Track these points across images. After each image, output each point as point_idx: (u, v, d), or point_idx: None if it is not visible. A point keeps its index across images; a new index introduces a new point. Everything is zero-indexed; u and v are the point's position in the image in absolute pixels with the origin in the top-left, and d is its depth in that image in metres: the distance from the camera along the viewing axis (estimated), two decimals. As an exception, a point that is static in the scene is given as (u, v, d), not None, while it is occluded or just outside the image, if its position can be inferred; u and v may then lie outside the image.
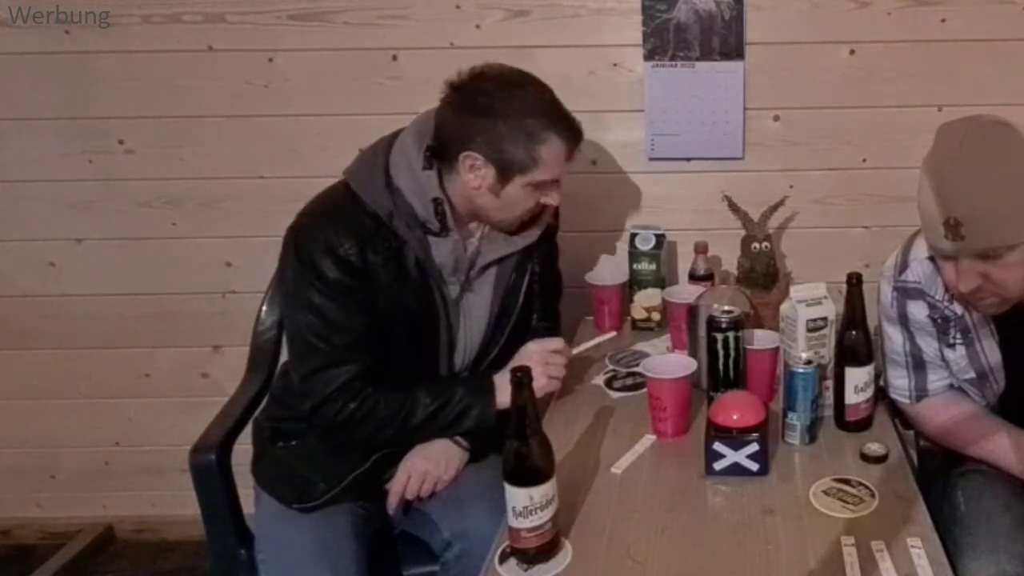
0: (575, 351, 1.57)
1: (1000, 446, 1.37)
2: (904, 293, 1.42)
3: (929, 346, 1.44)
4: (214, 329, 2.16)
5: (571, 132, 1.42)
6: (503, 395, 1.41)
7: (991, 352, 1.39)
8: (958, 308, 1.37)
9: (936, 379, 1.46)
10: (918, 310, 1.41)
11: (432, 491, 1.47)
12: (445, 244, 1.43)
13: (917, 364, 1.46)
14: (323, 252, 1.37)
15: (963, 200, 1.16)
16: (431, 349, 1.49)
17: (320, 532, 1.40)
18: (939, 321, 1.40)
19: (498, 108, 1.36)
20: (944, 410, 1.45)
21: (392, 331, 1.43)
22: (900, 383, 1.48)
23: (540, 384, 1.41)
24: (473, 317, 1.52)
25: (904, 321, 1.44)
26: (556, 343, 1.51)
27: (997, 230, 1.16)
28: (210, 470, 1.49)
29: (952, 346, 1.41)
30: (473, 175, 1.39)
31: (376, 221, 1.39)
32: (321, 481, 1.45)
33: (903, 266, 1.42)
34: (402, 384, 1.44)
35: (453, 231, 1.42)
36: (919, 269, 1.39)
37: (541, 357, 1.46)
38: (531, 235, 1.54)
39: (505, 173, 1.39)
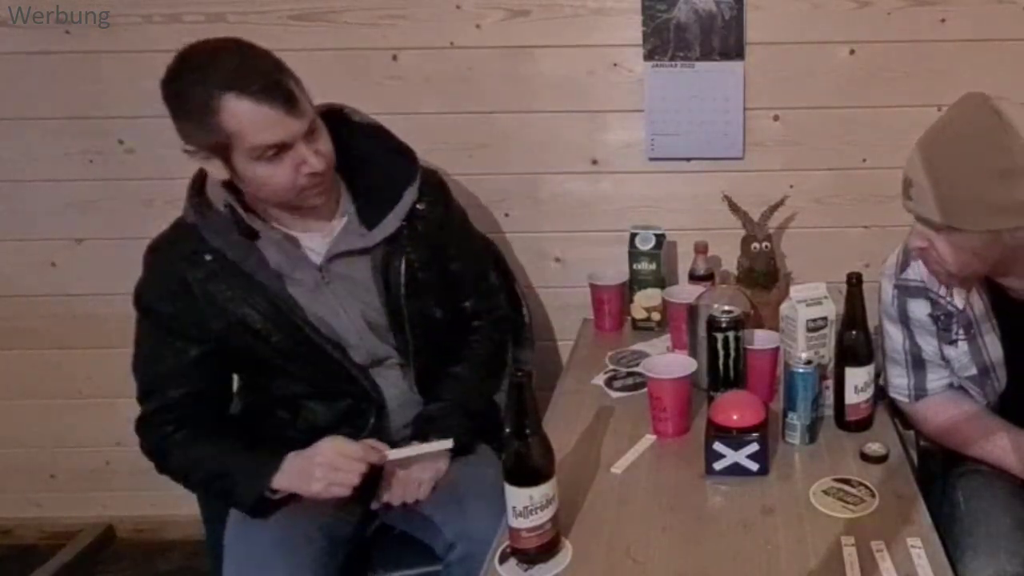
0: (392, 456, 1.36)
1: (1000, 446, 1.37)
2: (905, 291, 1.42)
3: (929, 345, 1.44)
4: (214, 329, 2.16)
5: (244, 84, 1.22)
6: (285, 478, 1.33)
7: (993, 347, 1.39)
8: (960, 303, 1.37)
9: (935, 378, 1.46)
10: (919, 308, 1.42)
11: (416, 496, 1.42)
12: (268, 244, 1.38)
13: (916, 363, 1.46)
14: (145, 287, 1.40)
15: (922, 166, 1.19)
16: (312, 349, 1.41)
17: (280, 533, 1.37)
18: (941, 318, 1.40)
19: (173, 105, 1.27)
20: (943, 410, 1.45)
21: (248, 340, 1.38)
22: (899, 382, 1.48)
23: (316, 489, 1.30)
24: (347, 312, 1.44)
25: (904, 319, 1.44)
26: (353, 450, 1.32)
27: (935, 207, 1.18)
28: (210, 470, 1.49)
29: (954, 343, 1.41)
30: (210, 168, 1.31)
31: (195, 239, 1.36)
32: None
33: (904, 264, 1.42)
34: (216, 433, 1.41)
35: (264, 230, 1.37)
36: (920, 267, 1.39)
37: (329, 460, 1.31)
38: (389, 226, 1.43)
39: (221, 156, 1.28)
